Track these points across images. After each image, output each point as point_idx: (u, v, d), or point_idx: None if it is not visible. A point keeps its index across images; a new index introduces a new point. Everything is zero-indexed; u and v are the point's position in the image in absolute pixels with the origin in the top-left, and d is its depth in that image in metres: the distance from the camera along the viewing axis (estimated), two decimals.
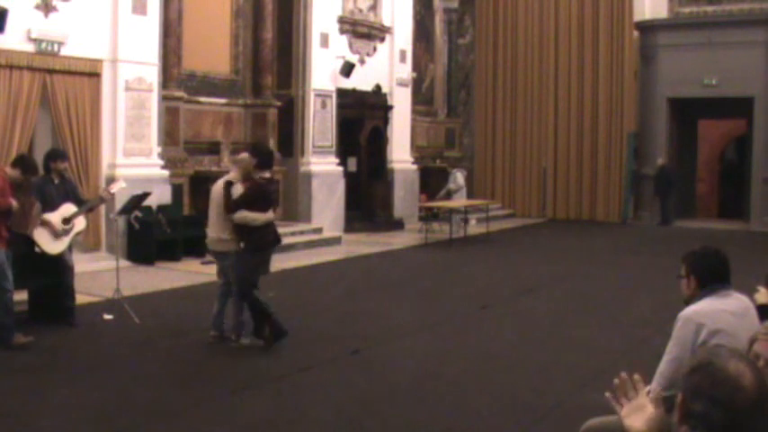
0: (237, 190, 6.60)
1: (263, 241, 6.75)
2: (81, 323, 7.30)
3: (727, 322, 3.35)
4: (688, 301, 3.55)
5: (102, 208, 10.11)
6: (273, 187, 7.07)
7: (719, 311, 3.39)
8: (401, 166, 17.08)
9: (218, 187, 6.80)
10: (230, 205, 6.57)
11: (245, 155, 6.89)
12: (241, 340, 6.73)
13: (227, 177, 6.78)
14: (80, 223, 7.43)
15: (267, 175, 6.93)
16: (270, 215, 6.79)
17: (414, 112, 18.17)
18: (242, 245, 6.66)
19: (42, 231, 7.01)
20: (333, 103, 15.00)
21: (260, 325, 6.69)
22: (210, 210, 6.87)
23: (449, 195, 15.69)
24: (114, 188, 7.92)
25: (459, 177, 15.88)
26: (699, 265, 3.54)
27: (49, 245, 7.06)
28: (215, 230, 6.82)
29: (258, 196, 6.67)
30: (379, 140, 16.07)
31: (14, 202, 6.46)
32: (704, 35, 17.44)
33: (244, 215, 6.56)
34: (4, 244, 6.49)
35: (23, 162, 6.82)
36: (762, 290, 3.95)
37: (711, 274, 3.50)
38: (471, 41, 20.78)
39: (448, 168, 17.68)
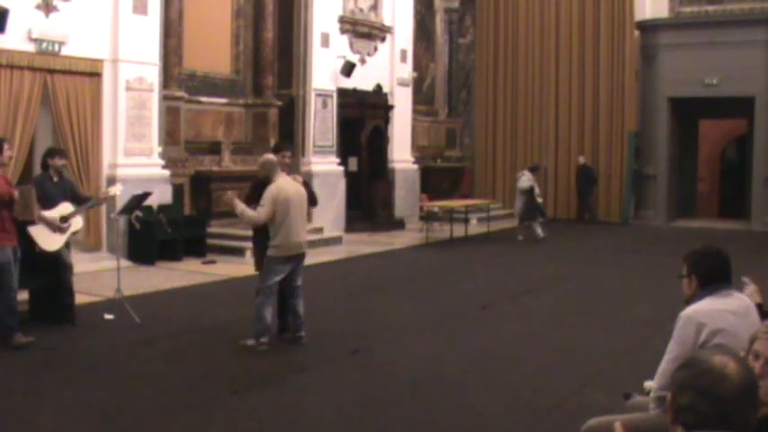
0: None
1: None
2: (81, 323, 7.31)
3: (729, 322, 3.35)
4: (689, 301, 3.56)
5: (103, 208, 10.14)
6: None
7: (720, 311, 3.39)
8: (402, 166, 17.09)
9: (301, 189, 6.69)
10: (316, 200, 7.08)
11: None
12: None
13: (294, 179, 6.74)
14: (77, 223, 7.43)
15: None
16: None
17: (414, 111, 18.18)
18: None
19: (39, 228, 7.02)
20: (333, 103, 15.01)
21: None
22: (301, 212, 6.68)
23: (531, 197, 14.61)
24: (111, 192, 7.97)
25: None
26: (700, 265, 3.54)
27: (45, 242, 7.07)
28: (306, 232, 6.88)
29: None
30: (379, 140, 16.07)
31: (15, 192, 6.48)
32: (705, 35, 17.43)
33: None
34: (11, 240, 6.49)
35: None
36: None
37: (712, 273, 3.50)
38: (472, 41, 20.79)
39: (526, 170, 15.11)
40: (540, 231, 14.40)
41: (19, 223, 6.70)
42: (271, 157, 6.71)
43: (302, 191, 6.68)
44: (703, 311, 3.39)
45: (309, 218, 7.03)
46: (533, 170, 15.06)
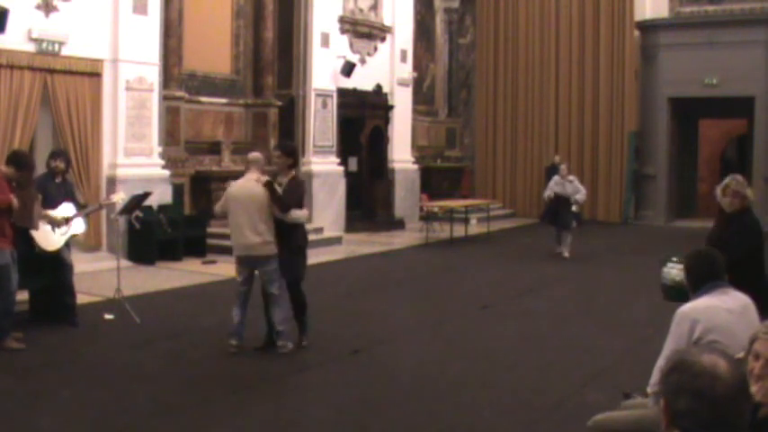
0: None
1: (305, 240, 6.69)
2: (81, 323, 7.30)
3: (724, 319, 3.40)
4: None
5: None
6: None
7: (715, 308, 3.44)
8: (402, 166, 17.08)
9: (254, 189, 6.32)
10: (285, 204, 6.32)
11: (258, 154, 6.80)
12: (288, 344, 6.45)
13: (254, 178, 6.38)
14: (78, 226, 7.44)
15: (294, 172, 6.74)
16: (307, 212, 6.81)
17: (414, 111, 18.18)
18: (284, 246, 6.39)
19: (40, 227, 7.02)
20: (333, 103, 15.00)
21: (304, 325, 6.64)
22: (246, 213, 6.31)
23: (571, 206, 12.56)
24: (114, 198, 8.03)
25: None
26: (687, 270, 3.68)
27: (44, 241, 7.07)
28: (261, 234, 6.31)
29: (302, 194, 6.66)
30: (379, 140, 16.07)
31: (15, 200, 6.46)
32: (705, 35, 17.43)
33: (297, 213, 6.43)
34: (9, 243, 6.48)
35: (16, 158, 6.78)
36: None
37: (700, 275, 3.62)
38: (472, 41, 20.79)
39: (564, 170, 12.92)
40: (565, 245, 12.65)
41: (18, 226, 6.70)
42: (250, 155, 6.79)
43: (255, 192, 6.32)
44: (698, 309, 3.45)
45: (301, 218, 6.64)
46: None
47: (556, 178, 12.84)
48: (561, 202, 12.49)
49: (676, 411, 1.74)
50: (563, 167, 13.04)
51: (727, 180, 5.39)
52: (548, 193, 12.79)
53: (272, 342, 6.51)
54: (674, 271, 5.21)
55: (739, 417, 1.73)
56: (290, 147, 7.06)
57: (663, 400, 1.79)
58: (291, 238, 6.47)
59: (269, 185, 6.31)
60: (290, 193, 6.44)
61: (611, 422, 3.60)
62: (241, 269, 6.55)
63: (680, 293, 5.26)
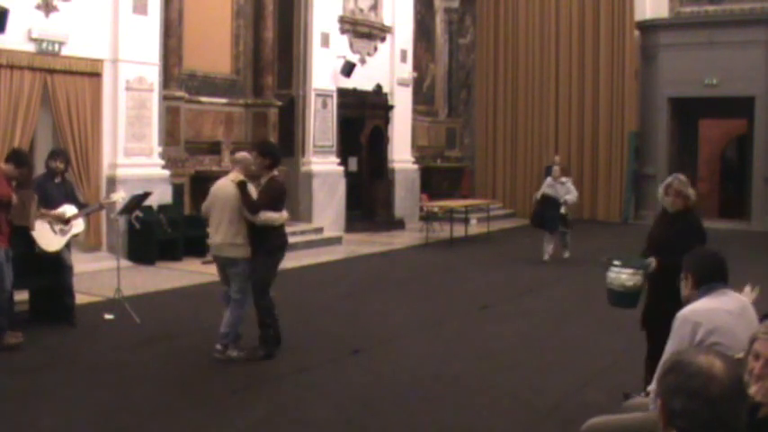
0: (252, 190, 6.34)
1: (281, 241, 6.55)
2: (81, 323, 7.31)
3: (724, 321, 3.40)
4: (687, 301, 3.62)
5: None
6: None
7: (716, 310, 3.44)
8: (402, 166, 17.09)
9: (228, 189, 6.31)
10: (254, 206, 6.23)
11: (244, 153, 6.71)
12: (229, 351, 6.31)
13: (232, 178, 6.35)
14: (78, 225, 7.46)
15: (276, 173, 6.62)
16: (285, 215, 6.60)
17: (414, 111, 18.18)
18: (259, 247, 6.32)
19: (40, 227, 7.04)
20: (333, 103, 15.00)
21: (265, 334, 6.44)
22: (220, 212, 6.34)
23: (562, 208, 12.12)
24: (114, 197, 8.05)
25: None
26: (696, 264, 3.67)
27: (45, 242, 7.09)
28: (227, 235, 6.30)
29: (279, 196, 6.51)
30: (379, 140, 16.07)
31: (14, 195, 6.48)
32: (705, 35, 17.44)
33: (267, 216, 6.30)
34: (5, 242, 6.49)
35: (16, 156, 6.80)
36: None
37: (708, 272, 3.61)
38: (472, 41, 20.80)
39: (557, 171, 12.39)
40: (548, 249, 12.22)
41: (15, 225, 6.71)
42: (237, 154, 6.77)
43: (229, 192, 6.30)
44: (699, 311, 3.44)
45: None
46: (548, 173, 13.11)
47: (548, 180, 12.42)
48: (549, 203, 12.07)
49: (672, 411, 1.75)
50: (555, 168, 12.57)
51: (669, 179, 5.29)
52: (536, 194, 12.45)
53: (265, 341, 6.44)
54: (624, 276, 5.13)
55: (735, 417, 1.73)
56: (266, 147, 6.86)
57: (660, 400, 1.79)
58: (268, 239, 6.36)
59: (240, 185, 6.25)
60: (263, 195, 6.34)
61: (605, 427, 3.58)
62: (218, 268, 6.60)
63: (630, 298, 5.21)
